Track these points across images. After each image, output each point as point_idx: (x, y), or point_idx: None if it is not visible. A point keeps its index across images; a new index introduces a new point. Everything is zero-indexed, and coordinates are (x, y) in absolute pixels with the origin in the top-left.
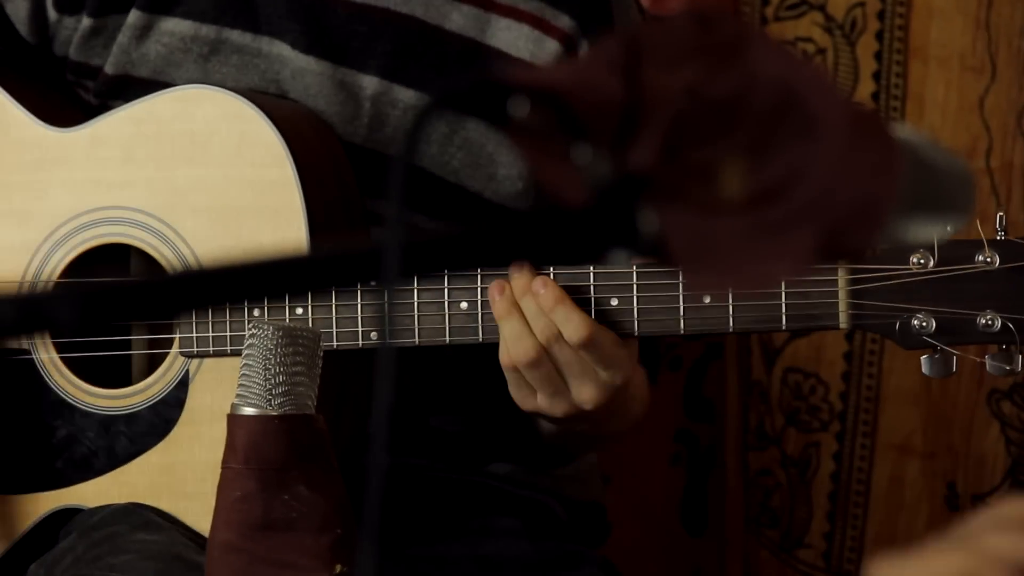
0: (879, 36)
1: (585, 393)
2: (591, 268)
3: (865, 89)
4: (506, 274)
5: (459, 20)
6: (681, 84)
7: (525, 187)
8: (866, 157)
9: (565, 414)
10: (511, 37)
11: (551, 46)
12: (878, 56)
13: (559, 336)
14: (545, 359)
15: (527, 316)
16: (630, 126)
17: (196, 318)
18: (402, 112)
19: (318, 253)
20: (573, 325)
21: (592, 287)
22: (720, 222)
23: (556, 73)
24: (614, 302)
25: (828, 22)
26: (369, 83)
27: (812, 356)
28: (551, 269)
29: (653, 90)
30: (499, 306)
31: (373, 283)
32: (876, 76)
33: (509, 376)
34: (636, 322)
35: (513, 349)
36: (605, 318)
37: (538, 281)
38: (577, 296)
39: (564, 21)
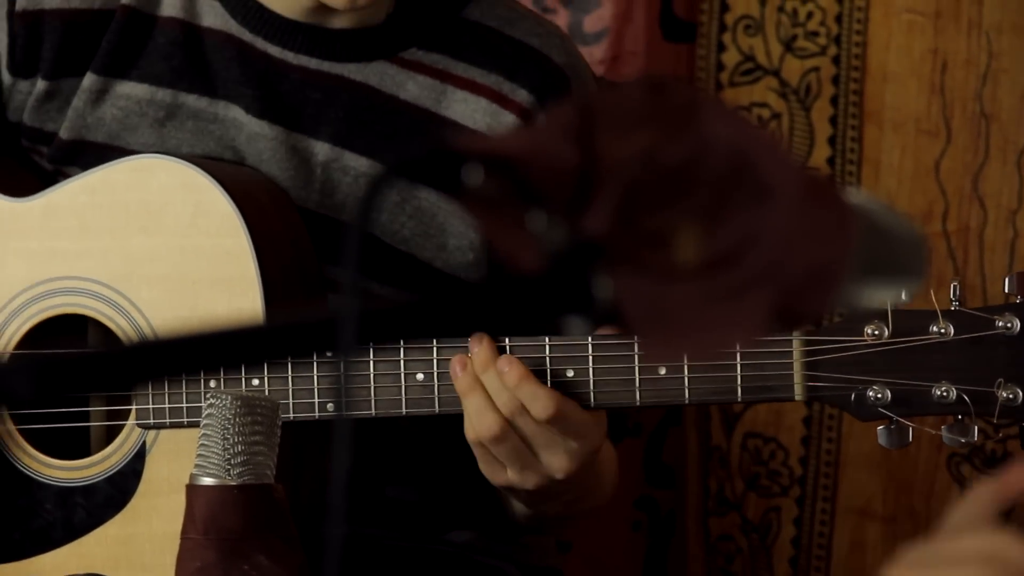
0: (834, 101)
1: (556, 463)
2: (547, 339)
3: (820, 154)
4: (465, 346)
5: (414, 90)
6: (635, 150)
7: (476, 257)
8: (820, 223)
9: (537, 486)
10: (467, 109)
11: (508, 119)
12: (833, 121)
13: (523, 409)
14: (511, 433)
15: (490, 391)
16: (584, 193)
17: (152, 389)
18: (353, 179)
19: (274, 323)
20: (540, 403)
21: (548, 359)
22: (674, 289)
23: (510, 141)
24: (570, 373)
25: (783, 87)
26: (321, 149)
27: (772, 421)
28: (507, 339)
29: (607, 156)
30: (461, 382)
31: (329, 353)
32: (831, 141)
33: (477, 451)
34: (592, 394)
35: (478, 425)
36: (561, 389)
37: (502, 360)
38: (533, 368)
39: (522, 95)
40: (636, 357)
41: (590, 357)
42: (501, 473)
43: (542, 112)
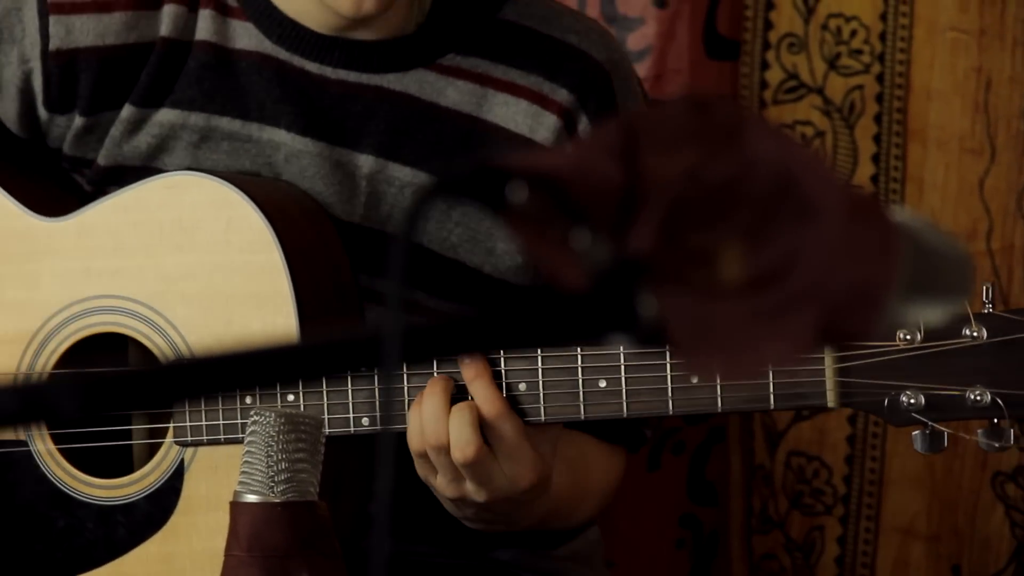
0: (878, 119)
1: (468, 488)
2: (578, 349)
3: (864, 172)
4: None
5: (455, 96)
6: (680, 168)
7: (525, 261)
8: (864, 241)
9: (453, 497)
10: (509, 112)
11: (549, 120)
12: (877, 139)
13: (438, 448)
14: (428, 456)
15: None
16: (629, 210)
17: (190, 407)
18: (398, 190)
19: (317, 341)
20: (457, 452)
21: (580, 368)
22: (718, 306)
23: (554, 157)
24: (603, 384)
25: (827, 105)
26: (364, 162)
27: (815, 439)
28: (539, 351)
29: (651, 174)
30: (417, 397)
31: (371, 370)
32: (875, 159)
33: (417, 462)
34: (625, 403)
35: (409, 437)
36: (593, 400)
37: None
38: (566, 378)
39: (562, 95)
40: (667, 366)
41: (622, 367)
42: (427, 478)
43: (583, 112)
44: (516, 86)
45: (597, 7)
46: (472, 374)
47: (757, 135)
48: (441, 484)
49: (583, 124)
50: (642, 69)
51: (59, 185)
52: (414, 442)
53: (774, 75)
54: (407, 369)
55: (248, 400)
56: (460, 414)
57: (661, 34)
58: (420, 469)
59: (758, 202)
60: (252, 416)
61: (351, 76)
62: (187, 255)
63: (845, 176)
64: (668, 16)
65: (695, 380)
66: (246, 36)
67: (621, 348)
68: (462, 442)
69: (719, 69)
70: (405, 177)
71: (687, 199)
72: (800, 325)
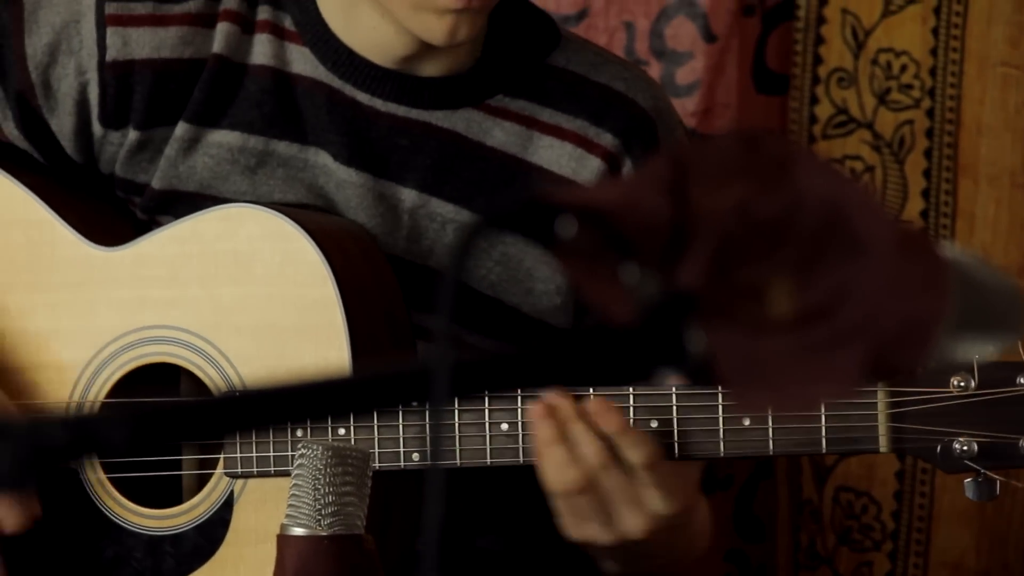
0: (928, 154)
1: (632, 521)
2: (630, 390)
3: (914, 207)
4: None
5: (501, 136)
6: (729, 203)
7: (563, 301)
8: (914, 277)
9: (614, 543)
10: (553, 155)
11: (593, 163)
12: (927, 174)
13: (607, 463)
14: (592, 486)
15: (574, 443)
16: (678, 245)
17: (241, 439)
18: (440, 226)
19: (366, 375)
20: (640, 449)
21: (632, 408)
22: (767, 342)
23: (603, 193)
24: (654, 424)
25: (876, 140)
26: (408, 196)
27: (864, 475)
28: (589, 390)
29: (701, 209)
30: (544, 431)
31: (421, 405)
32: (925, 194)
33: (556, 503)
34: (676, 445)
35: (559, 476)
36: None
37: (598, 404)
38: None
39: (607, 139)
40: (719, 408)
41: (674, 408)
42: (579, 527)
43: (627, 156)
44: (562, 129)
45: (646, 41)
46: (615, 425)
47: (806, 170)
48: (593, 532)
49: (627, 168)
50: (691, 103)
51: (113, 214)
52: (567, 474)
53: (823, 110)
54: (457, 404)
55: (299, 433)
56: (622, 423)
57: (710, 68)
58: (565, 521)
59: (807, 237)
60: (299, 449)
61: (400, 110)
62: (242, 287)
63: (895, 211)
64: (717, 50)
65: (747, 422)
66: (302, 61)
67: (673, 389)
68: (640, 443)
69: (768, 104)
70: (447, 214)
71: (736, 234)
72: (849, 361)
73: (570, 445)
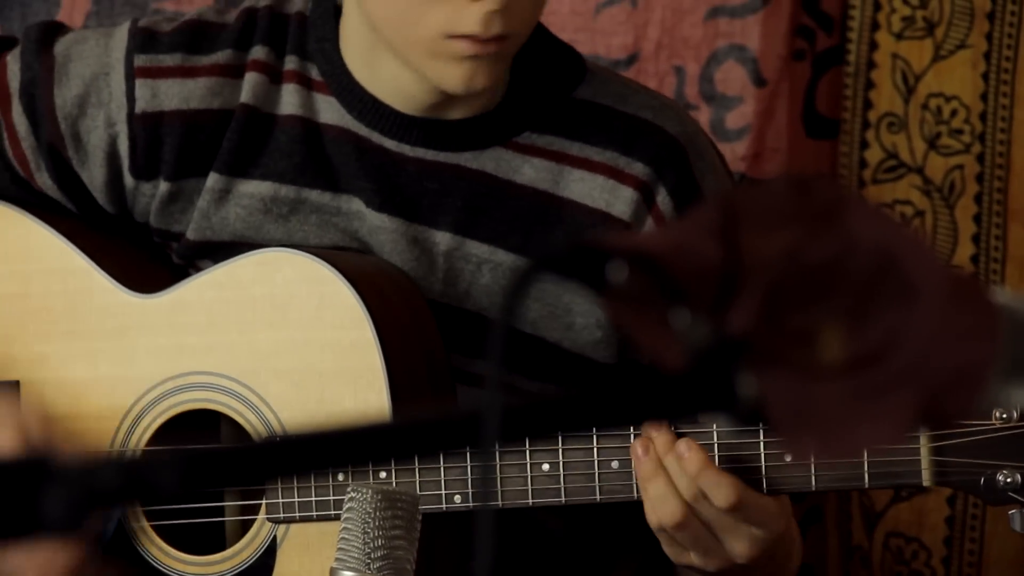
0: (978, 199)
1: (738, 548)
2: (672, 428)
3: (964, 252)
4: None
5: (531, 173)
6: (779, 248)
7: (604, 335)
8: (964, 322)
9: (719, 569)
10: (585, 188)
11: (626, 193)
12: (977, 219)
13: (705, 495)
14: (692, 519)
15: (672, 476)
16: (728, 290)
17: (284, 484)
18: (475, 267)
19: (415, 419)
20: (722, 492)
21: (716, 445)
22: (819, 387)
23: (654, 237)
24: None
25: (926, 184)
26: (442, 239)
27: (914, 520)
28: (631, 428)
29: (751, 254)
30: (644, 467)
31: (473, 448)
32: (975, 239)
33: (659, 535)
34: (764, 479)
35: (660, 510)
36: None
37: (681, 444)
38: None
39: (638, 168)
40: (761, 444)
41: (715, 445)
42: (684, 555)
43: (660, 184)
44: (592, 162)
45: (696, 86)
46: (696, 466)
47: (857, 215)
48: (698, 560)
49: (661, 196)
50: (741, 148)
51: (149, 260)
52: (662, 510)
53: (874, 154)
54: (504, 447)
55: (341, 477)
56: (703, 463)
57: (760, 113)
58: (670, 550)
59: (858, 282)
60: (349, 493)
61: (428, 154)
62: (280, 331)
63: (945, 256)
64: (767, 95)
65: (788, 459)
66: (329, 110)
67: (714, 426)
68: (721, 485)
69: (818, 148)
70: (482, 254)
71: (787, 279)
72: (900, 406)
73: (667, 479)
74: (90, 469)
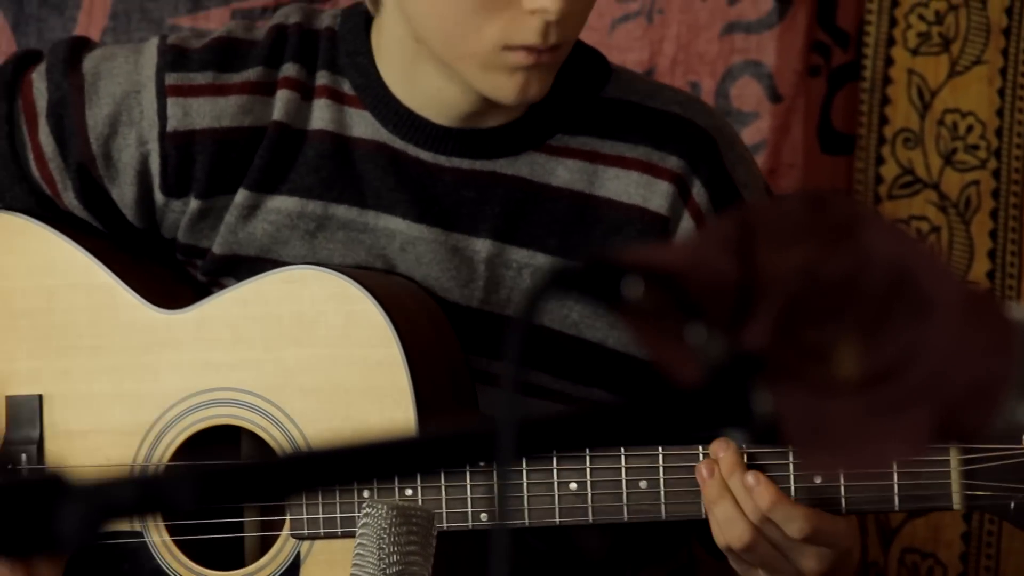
0: (994, 214)
1: (806, 564)
2: (700, 448)
3: (980, 268)
4: (616, 455)
5: (565, 175)
6: (795, 264)
7: None
8: (980, 338)
9: None
10: (620, 185)
11: (662, 187)
12: (993, 235)
13: (777, 526)
14: (761, 540)
15: (738, 498)
16: (744, 306)
17: (307, 500)
18: (516, 272)
19: (431, 434)
20: (796, 524)
21: (791, 464)
22: (835, 403)
23: (670, 253)
24: (818, 480)
25: (942, 200)
26: (482, 246)
27: (930, 536)
28: (743, 446)
29: (767, 270)
30: (710, 490)
31: (489, 464)
32: (991, 255)
33: (727, 554)
34: (844, 498)
35: (728, 532)
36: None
37: (750, 476)
38: (687, 475)
39: (672, 162)
40: (791, 466)
41: (791, 464)
42: (752, 572)
43: (695, 176)
44: (625, 159)
45: (712, 101)
46: (768, 502)
47: (873, 230)
48: (765, 575)
49: (696, 188)
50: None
51: (173, 277)
52: (730, 532)
53: (889, 170)
54: (525, 463)
55: (366, 494)
56: (774, 498)
57: (775, 128)
58: (738, 567)
59: (874, 298)
60: (364, 509)
61: (464, 163)
62: (306, 349)
63: (961, 272)
64: (783, 110)
65: (818, 480)
66: (362, 124)
67: (744, 447)
68: (794, 518)
69: (834, 164)
70: (523, 259)
71: (803, 294)
72: (916, 422)
73: (733, 501)
74: (105, 485)
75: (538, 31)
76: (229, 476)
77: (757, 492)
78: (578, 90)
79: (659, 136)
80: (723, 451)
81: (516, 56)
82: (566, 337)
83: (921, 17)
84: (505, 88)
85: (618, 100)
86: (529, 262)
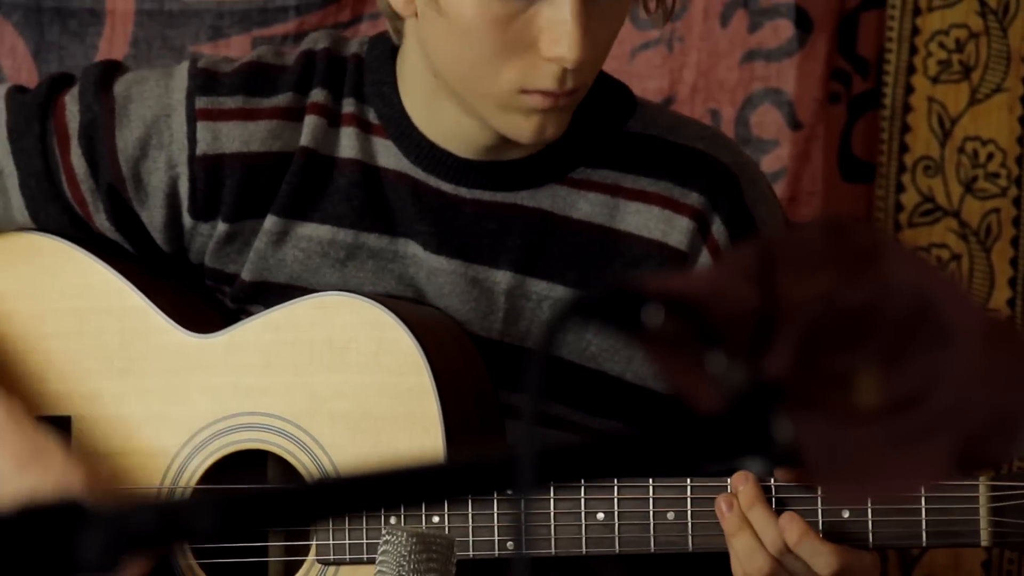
0: (1014, 242)
1: None
2: (728, 481)
3: (1001, 296)
4: (645, 485)
5: (587, 208)
6: (815, 292)
7: None
8: (1001, 366)
9: None
10: (641, 220)
11: (682, 223)
12: (1014, 262)
13: (803, 561)
14: (780, 571)
15: (757, 530)
16: (765, 334)
17: (333, 526)
18: (536, 304)
19: (453, 462)
20: (823, 559)
21: (819, 499)
22: (855, 431)
23: (690, 281)
24: (845, 514)
25: (963, 228)
26: (503, 278)
27: (950, 564)
28: (772, 480)
29: (787, 298)
30: (729, 523)
31: (509, 492)
32: (1012, 282)
33: None
34: (870, 534)
35: (747, 564)
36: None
37: (784, 519)
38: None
39: (693, 198)
40: (819, 500)
41: (773, 500)
42: None
43: (715, 213)
44: (646, 193)
45: (731, 129)
46: (796, 537)
47: (893, 258)
48: None
49: (716, 226)
50: (776, 191)
51: (202, 302)
52: (749, 565)
53: (910, 198)
54: (543, 491)
55: (392, 520)
56: (803, 532)
57: (795, 156)
58: None
59: (894, 326)
60: (383, 536)
61: (485, 195)
62: (336, 375)
63: (981, 300)
64: (803, 138)
65: (846, 515)
66: (387, 154)
67: (773, 481)
68: (822, 553)
69: (854, 191)
70: (543, 291)
71: (823, 322)
72: (937, 451)
73: (753, 533)
74: (126, 511)
75: (555, 77)
76: (251, 502)
77: (788, 531)
78: (602, 123)
79: (681, 172)
80: (743, 484)
81: (533, 99)
82: (585, 370)
83: (941, 45)
84: (522, 128)
85: (641, 134)
86: (549, 294)
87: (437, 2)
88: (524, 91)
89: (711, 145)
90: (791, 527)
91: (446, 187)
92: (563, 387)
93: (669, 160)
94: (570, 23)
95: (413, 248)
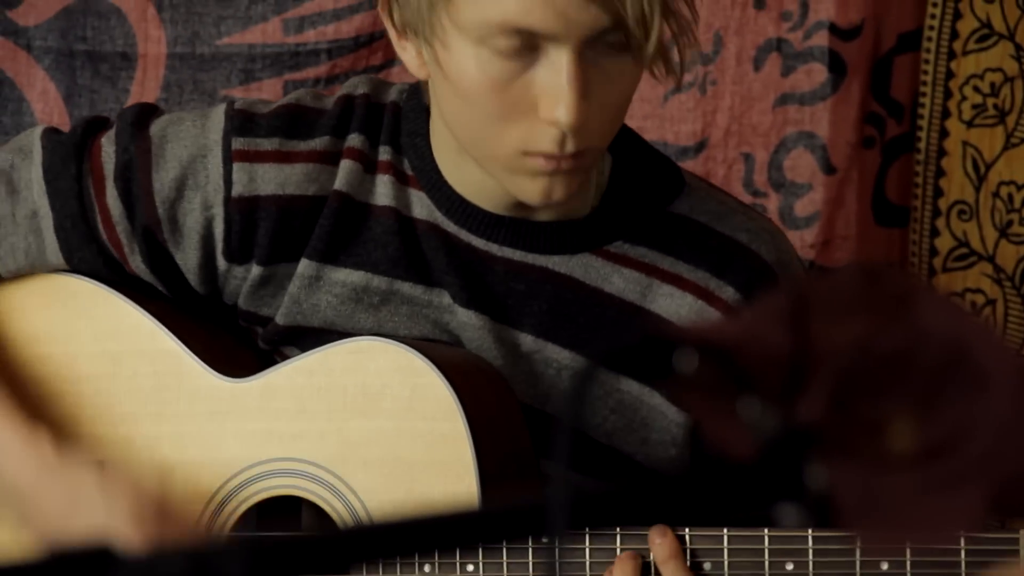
0: None
1: None
2: (765, 531)
3: None
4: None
5: (619, 283)
6: (849, 337)
7: (678, 453)
8: None
9: None
10: (672, 304)
11: (714, 317)
12: None
13: None
14: None
15: None
16: (798, 379)
17: (367, 572)
18: (555, 372)
19: (486, 508)
20: None
21: (767, 550)
22: (889, 478)
23: (723, 327)
24: (789, 566)
25: (997, 273)
26: (524, 340)
27: None
28: (724, 530)
29: (821, 343)
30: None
31: (543, 539)
32: None
33: None
34: None
35: None
36: None
37: (655, 531)
38: (752, 559)
39: (728, 292)
40: (857, 551)
41: (810, 550)
42: None
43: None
44: (682, 279)
45: (765, 173)
46: (665, 555)
47: (927, 304)
48: None
49: None
50: (810, 235)
51: (236, 344)
52: None
53: (944, 242)
54: (577, 538)
55: (427, 568)
56: (672, 552)
57: (829, 200)
58: None
59: (928, 372)
60: None
61: (516, 254)
62: (370, 421)
63: (1016, 345)
64: (837, 182)
65: (885, 566)
66: (420, 205)
67: (809, 531)
68: None
69: (888, 236)
70: (563, 360)
71: (857, 368)
72: (971, 498)
73: None
74: (155, 557)
75: (555, 140)
76: (282, 549)
77: (659, 547)
78: (646, 200)
79: (721, 263)
80: (660, 538)
81: (536, 162)
82: (600, 445)
83: (976, 89)
84: (530, 190)
85: (686, 218)
86: (569, 364)
87: (441, 66)
88: (527, 153)
89: (755, 239)
90: (663, 543)
91: (477, 242)
92: (576, 457)
93: (710, 249)
94: (566, 87)
95: (447, 299)
